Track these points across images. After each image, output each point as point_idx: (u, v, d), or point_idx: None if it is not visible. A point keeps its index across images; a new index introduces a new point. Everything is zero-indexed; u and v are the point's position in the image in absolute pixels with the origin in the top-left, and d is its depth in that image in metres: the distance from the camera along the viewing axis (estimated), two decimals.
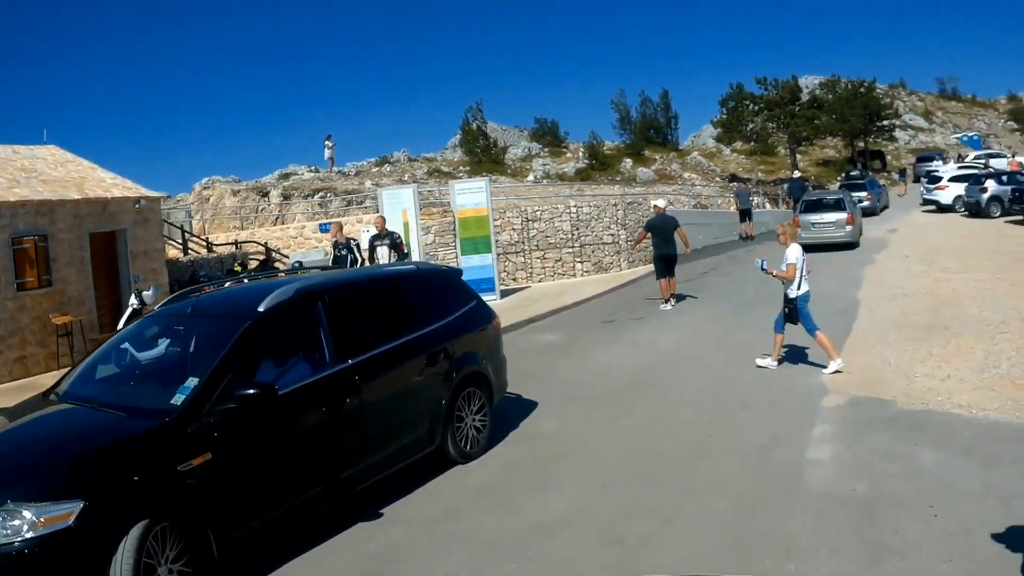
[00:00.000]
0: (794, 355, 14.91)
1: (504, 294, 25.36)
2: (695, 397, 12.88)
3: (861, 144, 75.90)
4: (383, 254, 20.42)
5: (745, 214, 38.11)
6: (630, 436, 11.24)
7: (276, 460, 8.13)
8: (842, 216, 30.85)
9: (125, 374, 9.22)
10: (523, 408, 13.04)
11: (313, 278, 10.00)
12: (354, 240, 20.60)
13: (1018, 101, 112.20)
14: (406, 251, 20.99)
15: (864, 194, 43.54)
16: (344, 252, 20.23)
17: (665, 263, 21.56)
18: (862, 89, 73.55)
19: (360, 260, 19.94)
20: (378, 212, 25.21)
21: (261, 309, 8.55)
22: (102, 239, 23.45)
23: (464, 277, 24.25)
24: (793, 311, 13.74)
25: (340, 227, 21.20)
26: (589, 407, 12.88)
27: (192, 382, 7.78)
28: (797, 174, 51.81)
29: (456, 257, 25.38)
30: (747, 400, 12.42)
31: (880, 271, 24.55)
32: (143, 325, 9.87)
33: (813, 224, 30.93)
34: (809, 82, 77.27)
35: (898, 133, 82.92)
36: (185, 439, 7.36)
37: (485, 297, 23.85)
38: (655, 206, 23.26)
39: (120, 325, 17.33)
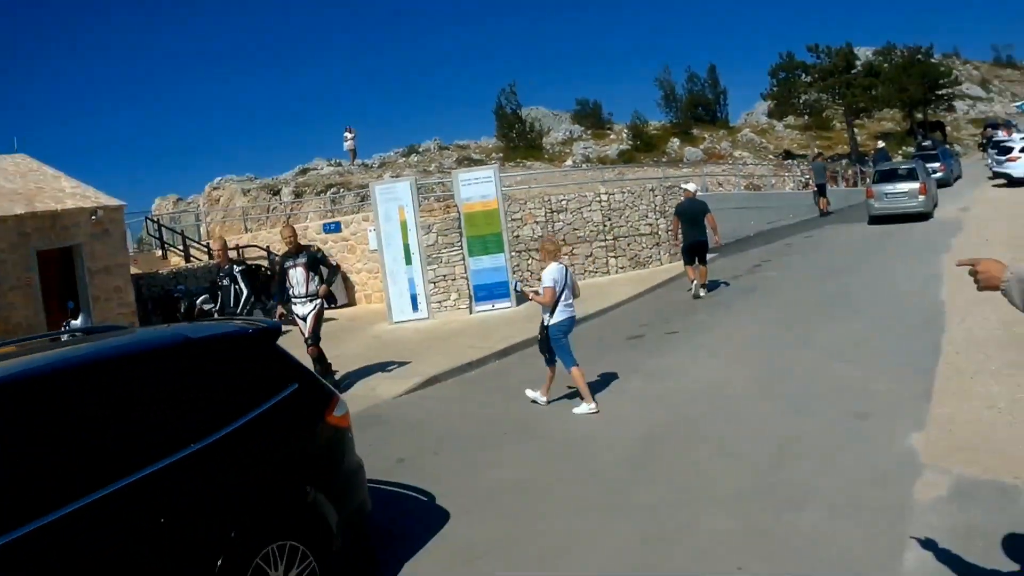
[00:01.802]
0: (865, 399, 11.06)
1: (522, 300, 21.40)
2: (728, 483, 8.83)
3: (920, 115, 71.60)
4: (298, 279, 14.78)
5: (822, 189, 37.66)
6: None
7: None
8: (915, 186, 30.13)
9: None
10: (423, 521, 8.60)
11: None
12: (240, 265, 15.47)
13: None
14: (335, 267, 15.76)
15: (937, 164, 42.07)
16: (227, 282, 15.15)
17: (695, 251, 19.85)
18: (919, 56, 69.26)
19: (245, 295, 14.85)
20: (375, 210, 22.01)
21: None
22: (55, 256, 20.59)
23: (474, 282, 21.28)
24: (545, 340, 12.04)
25: (223, 245, 15.70)
26: (553, 510, 8.59)
27: None
28: (881, 144, 52.37)
29: (463, 259, 22.03)
30: (803, 489, 8.42)
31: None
32: None
33: (886, 194, 30.51)
34: (862, 54, 72.93)
35: (956, 103, 79.22)
36: None
37: (498, 305, 21.06)
38: (685, 190, 21.30)
39: None
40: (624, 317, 19.27)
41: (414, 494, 9.41)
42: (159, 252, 35.30)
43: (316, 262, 14.91)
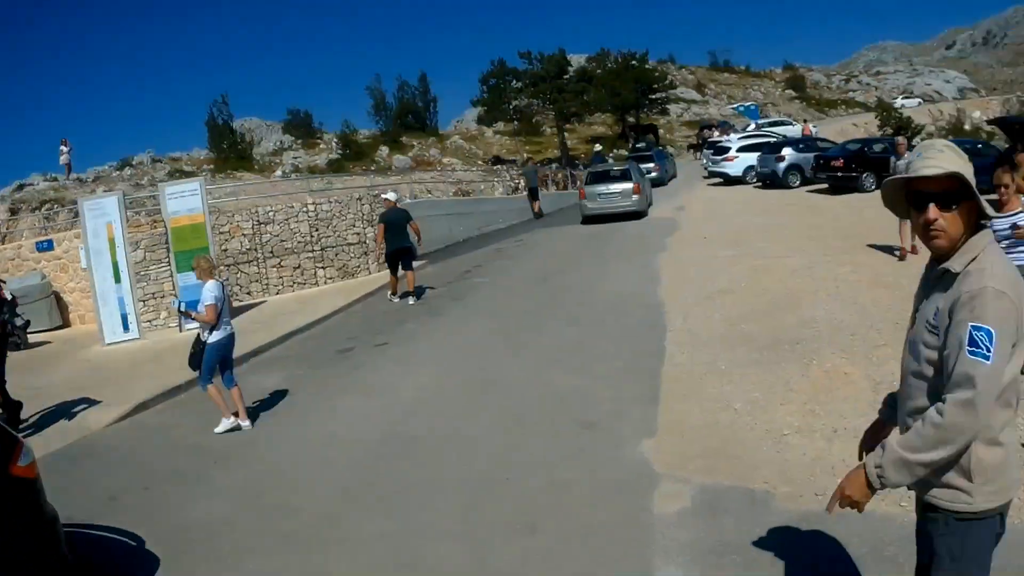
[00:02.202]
0: (589, 407, 10.44)
1: (233, 314, 20.31)
2: (451, 508, 7.95)
3: (632, 119, 74.02)
4: None
5: (534, 192, 39.03)
6: None
7: None
8: (628, 186, 31.36)
9: None
10: (131, 570, 7.62)
11: None
12: None
13: (795, 70, 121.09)
14: (8, 301, 14.02)
15: (652, 165, 44.19)
16: None
17: (399, 256, 20.49)
18: (634, 62, 71.59)
19: None
20: (83, 227, 20.45)
21: None
22: None
23: (182, 299, 19.88)
24: (199, 355, 11.82)
25: None
26: (266, 547, 7.65)
27: None
28: (598, 147, 54.47)
29: (171, 275, 21.01)
30: (532, 509, 7.63)
31: (678, 259, 20.69)
32: None
33: (599, 195, 31.65)
34: (576, 60, 74.93)
35: (671, 106, 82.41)
36: None
37: None
38: (385, 199, 21.90)
39: None
40: (334, 330, 18.50)
41: (123, 538, 8.31)
42: None
43: None
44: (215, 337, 11.68)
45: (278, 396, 13.26)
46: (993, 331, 3.29)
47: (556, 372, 12.23)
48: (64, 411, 13.79)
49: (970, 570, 3.64)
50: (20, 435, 7.12)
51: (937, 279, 3.61)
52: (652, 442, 8.86)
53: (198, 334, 11.91)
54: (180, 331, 20.22)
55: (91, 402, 14.18)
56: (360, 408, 11.99)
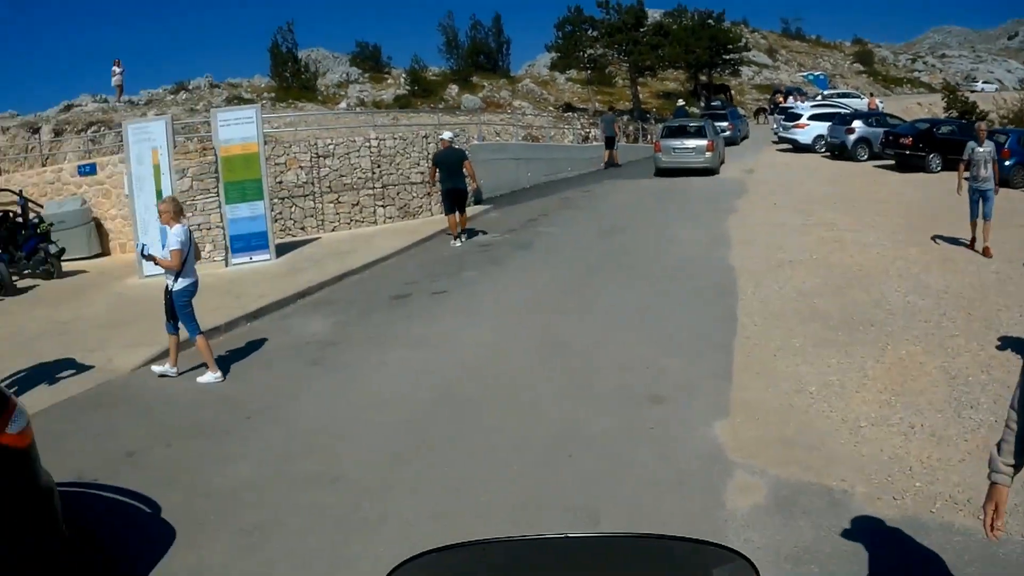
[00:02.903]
0: (657, 378, 9.97)
1: (284, 250, 20.12)
2: (503, 490, 7.36)
3: (704, 77, 73.08)
4: None
5: (610, 141, 38.63)
6: None
7: None
8: (703, 143, 31.18)
9: None
10: (143, 543, 6.76)
11: None
12: None
13: (864, 44, 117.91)
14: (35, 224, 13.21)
15: (726, 124, 43.66)
16: None
17: (454, 198, 20.21)
18: (710, 20, 70.57)
19: None
20: (127, 151, 19.49)
21: None
22: None
23: (231, 232, 19.31)
24: (170, 305, 11.39)
25: None
26: (295, 525, 6.90)
27: None
28: (681, 102, 54.93)
29: (220, 206, 19.74)
30: (593, 494, 7.11)
31: (748, 223, 20.03)
32: None
33: (674, 149, 31.52)
34: (653, 15, 73.78)
35: (743, 68, 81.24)
36: None
37: (256, 257, 19.11)
38: (441, 140, 21.43)
39: None
40: (390, 273, 17.70)
41: (137, 503, 7.53)
42: None
43: None
44: (180, 284, 11.22)
45: (324, 344, 12.47)
46: None
47: (624, 336, 11.72)
48: (86, 350, 12.61)
49: None
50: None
51: None
52: (725, 424, 8.38)
53: (167, 283, 11.42)
54: (226, 265, 19.36)
55: (120, 340, 13.20)
56: (413, 363, 11.26)
